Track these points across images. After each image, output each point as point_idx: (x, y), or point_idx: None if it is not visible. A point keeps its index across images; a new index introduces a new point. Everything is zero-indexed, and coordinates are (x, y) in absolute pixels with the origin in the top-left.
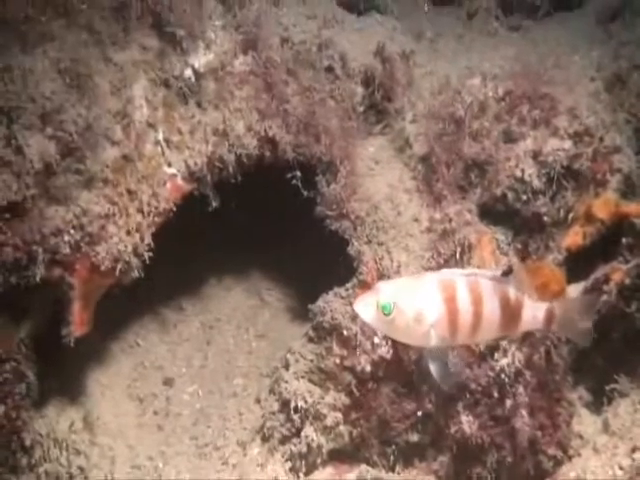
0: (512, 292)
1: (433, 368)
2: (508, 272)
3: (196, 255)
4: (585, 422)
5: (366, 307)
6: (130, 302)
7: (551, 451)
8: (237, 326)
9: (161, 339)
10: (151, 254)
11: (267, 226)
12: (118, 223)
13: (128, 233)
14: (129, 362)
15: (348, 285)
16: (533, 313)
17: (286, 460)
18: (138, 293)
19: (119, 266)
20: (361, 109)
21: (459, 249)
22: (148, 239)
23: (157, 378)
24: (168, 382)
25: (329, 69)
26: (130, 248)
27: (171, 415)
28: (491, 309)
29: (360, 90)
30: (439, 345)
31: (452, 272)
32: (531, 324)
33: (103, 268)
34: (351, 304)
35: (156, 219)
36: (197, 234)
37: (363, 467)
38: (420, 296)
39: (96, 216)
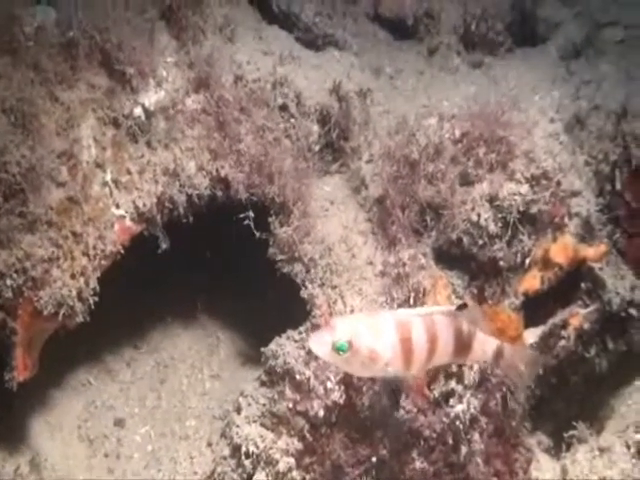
0: (465, 325)
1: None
2: (462, 307)
3: (151, 293)
4: (544, 468)
5: (321, 345)
6: (82, 340)
7: None
8: (191, 365)
9: (113, 378)
10: (97, 298)
11: (222, 267)
12: (62, 267)
13: (73, 277)
14: (80, 401)
15: (301, 328)
16: (483, 347)
17: None
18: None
19: (62, 311)
20: (317, 148)
21: (413, 294)
22: (93, 283)
23: (108, 418)
24: (119, 423)
25: (284, 107)
26: (74, 292)
27: (122, 457)
28: (445, 343)
29: (316, 129)
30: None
31: (408, 312)
32: (480, 357)
33: (46, 313)
34: (305, 342)
35: (102, 262)
36: (151, 273)
37: None
38: (376, 335)
39: (39, 260)
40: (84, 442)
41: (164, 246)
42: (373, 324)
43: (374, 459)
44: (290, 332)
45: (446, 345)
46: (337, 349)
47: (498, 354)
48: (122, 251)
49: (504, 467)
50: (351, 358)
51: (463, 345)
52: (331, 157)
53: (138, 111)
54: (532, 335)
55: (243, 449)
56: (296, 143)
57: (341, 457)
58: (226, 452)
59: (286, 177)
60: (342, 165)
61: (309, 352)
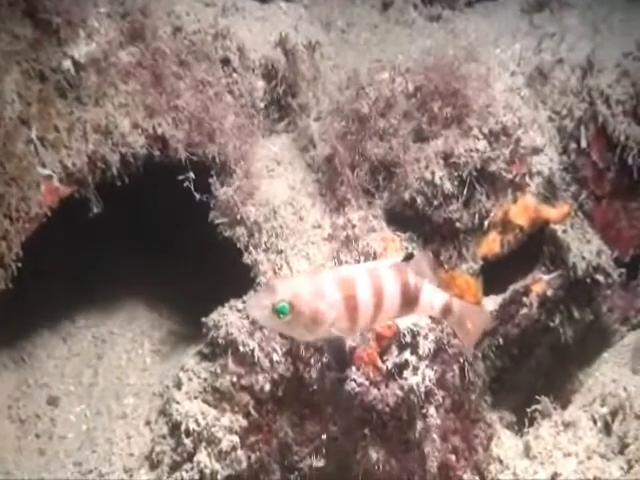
0: (412, 277)
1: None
2: (409, 258)
3: (88, 264)
4: (506, 445)
5: (260, 309)
6: (16, 315)
7: (466, 476)
8: (132, 340)
9: (49, 354)
10: (20, 264)
11: (162, 233)
12: None
13: None
14: (12, 380)
15: (245, 297)
16: (430, 301)
17: None
18: (25, 305)
19: None
20: (262, 105)
21: (363, 258)
22: (16, 248)
23: (42, 397)
24: (53, 401)
25: (226, 61)
26: None
27: (55, 438)
28: (391, 297)
29: (261, 84)
30: (339, 335)
31: (351, 267)
32: (427, 311)
33: None
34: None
35: (27, 225)
36: (86, 240)
37: None
38: (318, 294)
39: None
40: (15, 423)
41: (96, 210)
42: (314, 283)
43: (324, 437)
44: (233, 301)
45: (392, 300)
46: (278, 312)
47: (446, 309)
48: (49, 214)
49: (463, 444)
50: (293, 321)
51: (410, 299)
52: (277, 114)
53: (67, 64)
54: (492, 302)
55: (183, 427)
56: (239, 99)
57: (289, 435)
58: (165, 430)
59: (228, 135)
60: (289, 123)
61: (252, 321)
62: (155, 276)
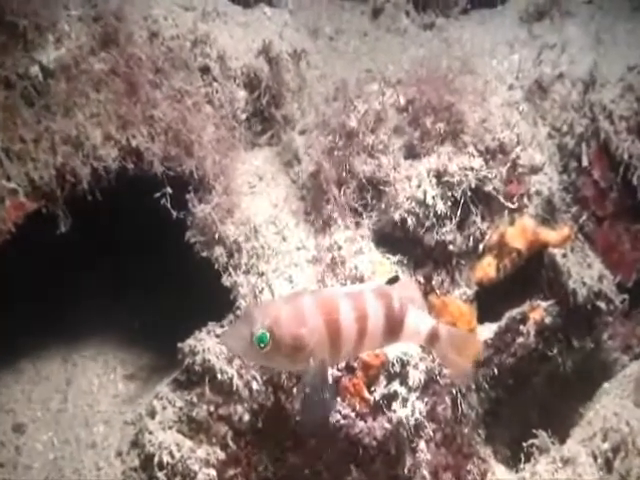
0: (396, 302)
1: (311, 395)
2: (393, 281)
3: (58, 283)
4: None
5: (238, 340)
6: None
7: None
8: (104, 364)
9: (16, 379)
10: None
11: (137, 251)
12: None
13: None
14: None
15: (224, 321)
16: (416, 327)
17: None
18: None
19: None
20: (243, 116)
21: (350, 282)
22: None
23: (7, 424)
24: (19, 428)
25: (205, 69)
26: None
27: (20, 467)
28: (375, 323)
29: (242, 94)
30: (319, 367)
31: (333, 290)
32: (412, 338)
33: None
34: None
35: None
36: (58, 255)
37: None
38: (298, 319)
39: None
40: None
41: (64, 228)
42: (293, 307)
43: (307, 471)
44: (211, 325)
45: (376, 325)
46: (257, 341)
47: (433, 335)
48: (13, 229)
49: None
50: (273, 350)
51: (394, 325)
52: (260, 127)
53: (34, 70)
54: (487, 330)
55: (156, 459)
56: (219, 110)
57: (269, 469)
58: (137, 463)
59: (207, 149)
60: (272, 136)
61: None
62: (129, 297)
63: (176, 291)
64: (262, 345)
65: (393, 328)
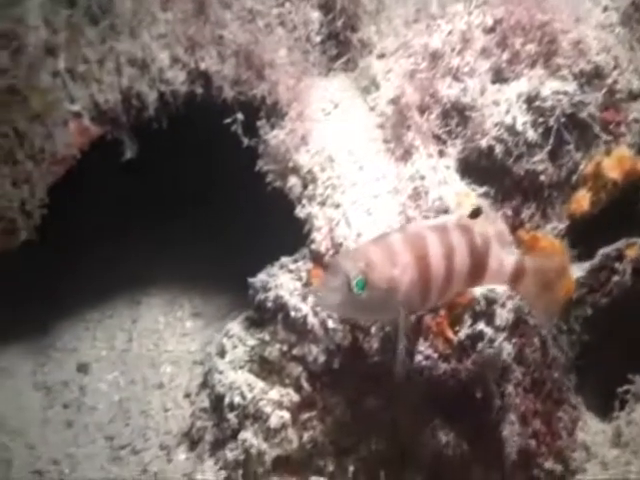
0: (479, 238)
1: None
2: (476, 213)
3: (117, 209)
4: (592, 430)
5: (332, 292)
6: (44, 270)
7: (548, 465)
8: (170, 301)
9: (79, 317)
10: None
11: (205, 182)
12: (2, 171)
13: (14, 184)
14: (37, 343)
15: (297, 256)
16: (500, 264)
17: (219, 469)
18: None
19: (2, 225)
20: (318, 39)
21: (432, 214)
22: (41, 193)
23: (70, 363)
24: (83, 368)
25: None
26: (16, 204)
27: (84, 409)
28: (461, 261)
29: (317, 16)
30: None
31: (419, 226)
32: (496, 278)
33: None
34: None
35: (53, 168)
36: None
37: (313, 479)
38: (390, 262)
39: None
40: (40, 391)
41: (130, 154)
42: (383, 248)
43: (386, 416)
44: (284, 259)
45: (462, 264)
46: (355, 288)
47: (518, 271)
48: (78, 156)
49: (544, 428)
50: (367, 297)
51: (478, 263)
52: (335, 51)
53: None
54: (579, 269)
55: (227, 400)
56: (292, 32)
57: (346, 413)
58: (206, 404)
59: (279, 72)
60: (348, 61)
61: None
62: (195, 230)
63: (246, 225)
64: (359, 291)
65: (477, 267)
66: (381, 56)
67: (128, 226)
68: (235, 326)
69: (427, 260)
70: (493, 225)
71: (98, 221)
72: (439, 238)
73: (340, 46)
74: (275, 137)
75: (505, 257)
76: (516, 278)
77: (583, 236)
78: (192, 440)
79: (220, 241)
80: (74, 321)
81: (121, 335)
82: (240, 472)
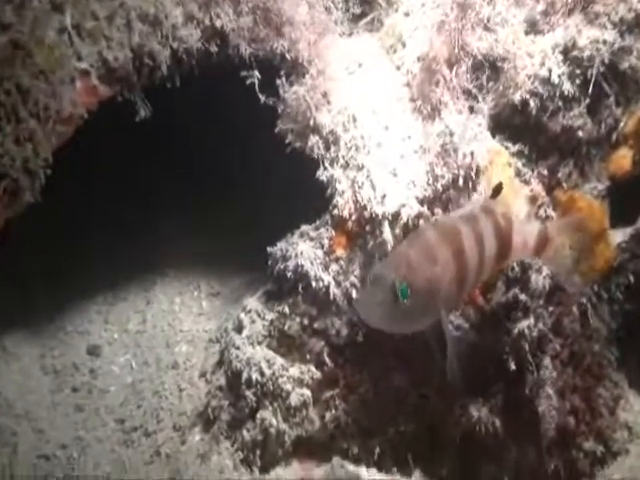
0: (502, 219)
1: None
2: (498, 190)
3: (132, 181)
4: (635, 409)
5: (377, 305)
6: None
7: (588, 445)
8: (186, 282)
9: (90, 300)
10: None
11: (220, 144)
12: (4, 130)
13: (17, 142)
14: (47, 326)
15: (318, 223)
16: (523, 238)
17: (236, 450)
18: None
19: (2, 185)
20: None
21: (462, 172)
22: (45, 153)
23: (81, 347)
24: (94, 351)
25: None
26: (19, 162)
27: (94, 392)
28: (489, 247)
29: None
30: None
31: (451, 220)
32: (521, 252)
33: None
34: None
35: (59, 128)
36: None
37: (336, 460)
38: (430, 261)
39: None
40: (49, 374)
41: (143, 113)
42: (420, 247)
43: (413, 394)
44: (305, 227)
45: (490, 250)
46: (399, 295)
47: (542, 239)
48: (86, 116)
49: (584, 405)
50: (412, 302)
51: (504, 243)
52: (359, 10)
53: None
54: (621, 233)
55: (244, 377)
56: None
57: (370, 391)
58: (223, 382)
59: (300, 29)
60: (373, 20)
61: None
62: (209, 200)
63: (267, 194)
64: (403, 299)
65: (502, 248)
66: (407, 14)
67: (141, 203)
68: (253, 301)
69: (463, 253)
70: (515, 198)
71: (112, 198)
72: (471, 228)
73: (364, 4)
74: (295, 93)
75: (527, 230)
76: (541, 248)
77: (625, 198)
78: (207, 420)
79: (240, 214)
80: (85, 304)
81: (135, 317)
82: (258, 453)
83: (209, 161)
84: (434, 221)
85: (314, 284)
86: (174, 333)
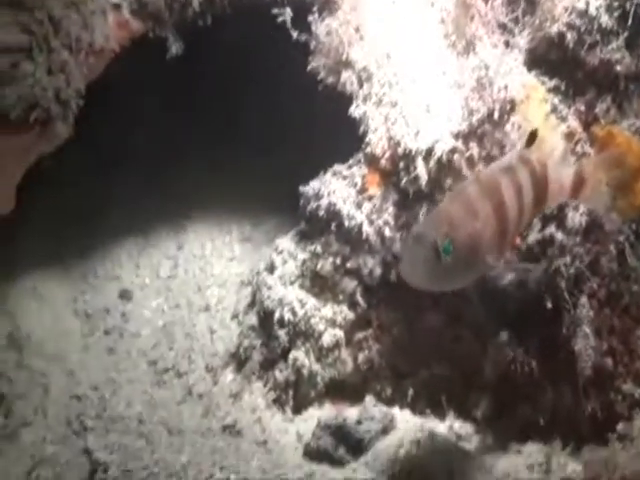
0: (538, 165)
1: None
2: (533, 137)
3: (161, 123)
4: None
5: (420, 263)
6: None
7: (626, 387)
8: (217, 226)
9: (121, 245)
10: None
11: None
12: (36, 59)
13: (49, 72)
14: (78, 269)
15: (352, 161)
16: (558, 182)
17: (268, 391)
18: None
19: (34, 114)
20: None
21: (498, 106)
22: (77, 84)
23: (112, 291)
24: (125, 295)
25: None
26: (51, 92)
27: (126, 335)
28: (527, 195)
29: None
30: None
31: (491, 173)
32: (557, 196)
33: (13, 116)
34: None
35: (91, 60)
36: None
37: (369, 399)
38: (471, 217)
39: (4, 49)
40: (80, 317)
41: (174, 50)
42: (462, 205)
43: (447, 334)
44: (337, 166)
45: (528, 200)
46: (443, 252)
47: (578, 182)
48: (117, 50)
49: (621, 346)
50: (455, 260)
51: (540, 191)
52: None
53: None
54: None
55: (276, 316)
56: None
57: (404, 332)
58: (254, 321)
59: None
60: None
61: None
62: (240, 142)
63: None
64: (447, 256)
65: (539, 194)
66: None
67: (173, 146)
68: (285, 241)
69: (503, 206)
70: (551, 135)
71: (143, 140)
72: (510, 180)
73: None
74: (327, 27)
75: (563, 174)
76: (578, 189)
77: None
78: (239, 361)
79: (273, 157)
80: (115, 248)
81: (166, 263)
82: (291, 394)
83: (240, 107)
84: (474, 176)
85: (347, 223)
86: (205, 277)
